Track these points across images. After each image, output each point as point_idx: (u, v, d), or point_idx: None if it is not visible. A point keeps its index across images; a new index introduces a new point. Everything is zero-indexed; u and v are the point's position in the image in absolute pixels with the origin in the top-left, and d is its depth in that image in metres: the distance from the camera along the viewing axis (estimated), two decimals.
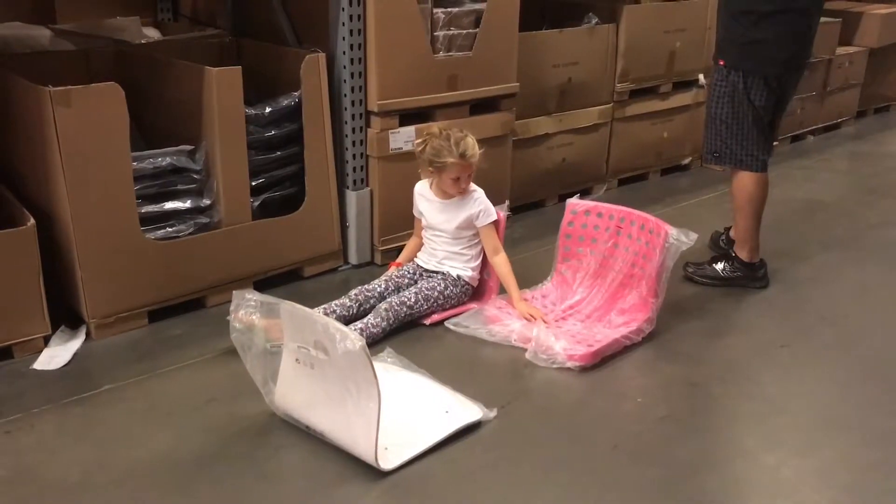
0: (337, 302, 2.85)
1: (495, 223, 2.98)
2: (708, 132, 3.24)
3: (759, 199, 3.22)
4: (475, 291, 3.07)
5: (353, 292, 2.90)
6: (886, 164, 5.24)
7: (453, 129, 2.91)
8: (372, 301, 2.88)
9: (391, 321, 2.79)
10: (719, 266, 3.32)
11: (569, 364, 2.65)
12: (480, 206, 2.95)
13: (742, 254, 3.29)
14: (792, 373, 2.71)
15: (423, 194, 3.05)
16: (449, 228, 2.98)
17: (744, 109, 3.11)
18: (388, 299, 2.85)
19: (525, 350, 2.72)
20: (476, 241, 3.02)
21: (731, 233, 3.47)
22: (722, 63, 3.12)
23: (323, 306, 2.81)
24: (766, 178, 3.20)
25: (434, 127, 2.95)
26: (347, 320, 2.78)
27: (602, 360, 2.70)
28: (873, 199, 4.45)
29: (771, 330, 2.99)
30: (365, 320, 2.77)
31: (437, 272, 3.01)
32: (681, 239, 2.77)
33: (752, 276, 3.32)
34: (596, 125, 4.29)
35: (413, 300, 2.87)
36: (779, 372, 2.71)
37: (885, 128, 6.10)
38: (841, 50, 5.62)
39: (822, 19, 5.36)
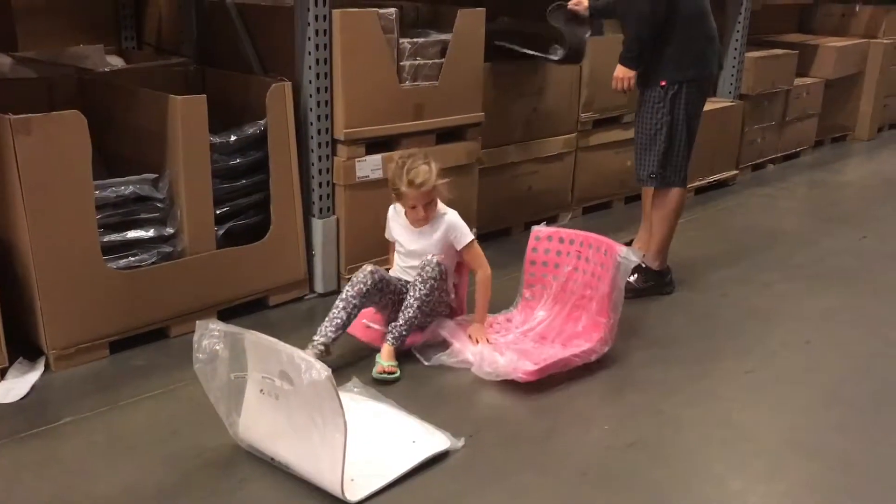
0: (330, 317, 2.77)
1: (472, 243, 2.93)
2: (645, 156, 3.37)
3: (680, 212, 3.47)
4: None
5: (340, 305, 2.78)
6: (844, 192, 5.36)
7: (416, 155, 2.84)
8: (364, 298, 2.81)
9: (436, 277, 2.80)
10: (632, 279, 3.38)
11: (513, 377, 2.66)
12: (454, 229, 2.90)
13: (654, 264, 3.46)
14: (757, 399, 2.73)
15: (397, 219, 3.00)
16: (422, 255, 2.90)
17: (680, 125, 3.29)
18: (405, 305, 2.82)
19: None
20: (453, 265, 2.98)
21: (635, 246, 3.60)
22: (663, 84, 3.25)
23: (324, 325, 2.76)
24: (686, 191, 3.47)
25: (395, 153, 2.91)
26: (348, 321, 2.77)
27: (568, 387, 2.70)
28: (832, 226, 4.54)
29: (735, 356, 3.01)
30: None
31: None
32: (629, 257, 2.82)
33: (662, 283, 3.52)
34: (561, 154, 4.34)
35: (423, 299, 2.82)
36: (744, 398, 2.73)
37: (842, 157, 6.24)
38: (798, 81, 5.75)
39: (780, 51, 5.56)
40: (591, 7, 3.70)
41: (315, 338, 2.73)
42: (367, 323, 2.98)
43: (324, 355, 2.69)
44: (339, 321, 2.75)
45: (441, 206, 2.92)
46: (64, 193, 2.64)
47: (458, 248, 2.91)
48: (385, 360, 2.74)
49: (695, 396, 2.73)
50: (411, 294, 2.82)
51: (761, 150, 5.63)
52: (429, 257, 2.84)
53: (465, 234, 2.92)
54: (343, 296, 2.79)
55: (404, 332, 2.79)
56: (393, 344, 2.77)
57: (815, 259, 4.03)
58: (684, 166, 3.38)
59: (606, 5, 3.63)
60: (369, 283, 2.79)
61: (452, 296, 3.00)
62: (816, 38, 6.29)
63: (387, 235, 3.07)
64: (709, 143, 4.99)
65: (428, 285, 2.81)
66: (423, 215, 2.86)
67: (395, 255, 3.05)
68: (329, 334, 2.73)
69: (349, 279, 3.37)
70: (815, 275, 3.83)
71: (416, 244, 2.94)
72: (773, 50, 5.60)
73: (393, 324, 2.82)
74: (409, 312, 2.80)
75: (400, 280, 2.95)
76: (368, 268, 2.83)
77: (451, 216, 2.92)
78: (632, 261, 2.83)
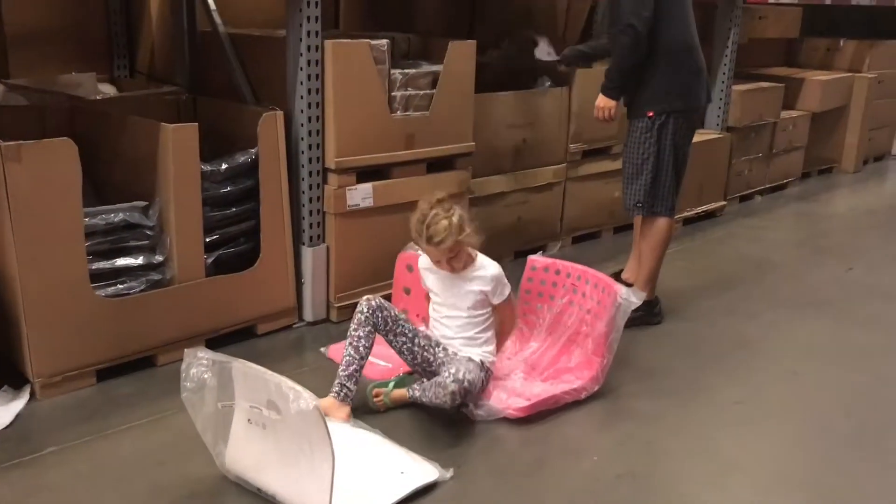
0: (344, 364, 2.66)
1: (507, 300, 2.79)
2: (632, 185, 3.40)
3: (668, 242, 3.47)
4: None
5: (348, 348, 2.67)
6: (831, 224, 5.40)
7: (440, 205, 2.67)
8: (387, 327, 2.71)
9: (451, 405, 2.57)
10: None
11: (504, 415, 2.65)
12: (492, 282, 2.72)
13: (643, 294, 3.31)
14: (746, 430, 2.73)
15: (429, 267, 2.83)
16: (462, 307, 2.76)
17: (667, 155, 3.32)
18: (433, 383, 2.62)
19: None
20: (490, 321, 2.81)
21: (625, 276, 3.60)
22: (650, 114, 3.28)
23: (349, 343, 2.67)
24: (674, 221, 3.48)
25: (423, 202, 2.69)
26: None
27: (557, 417, 2.70)
28: (819, 258, 4.57)
29: (724, 387, 3.02)
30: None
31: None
32: (629, 299, 2.81)
33: (650, 314, 3.51)
34: (550, 184, 4.36)
35: (484, 378, 2.70)
36: (733, 429, 2.73)
37: (829, 189, 6.29)
38: (785, 114, 5.82)
39: (767, 84, 5.63)
40: (563, 56, 3.80)
41: (333, 388, 2.61)
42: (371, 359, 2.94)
43: (344, 398, 2.60)
44: (349, 358, 2.64)
45: (481, 258, 2.77)
46: (53, 220, 2.63)
47: (494, 303, 2.77)
48: (391, 400, 2.70)
49: (683, 427, 2.72)
50: (427, 392, 2.62)
51: (749, 182, 5.68)
52: (449, 383, 2.54)
53: (502, 293, 2.76)
54: (348, 335, 2.70)
55: (423, 401, 2.65)
56: (409, 395, 2.70)
57: (803, 290, 4.05)
58: (671, 196, 3.40)
59: (581, 54, 3.72)
60: (365, 309, 2.69)
61: (486, 366, 2.77)
62: (802, 72, 6.37)
63: (422, 285, 2.91)
64: (697, 175, 5.03)
65: (437, 402, 2.59)
66: (450, 268, 2.71)
67: (430, 307, 2.89)
68: (342, 375, 2.62)
69: (338, 308, 3.39)
70: (802, 306, 3.85)
71: (449, 293, 2.78)
72: (760, 83, 5.67)
73: (425, 384, 2.66)
74: (440, 394, 2.56)
75: (417, 329, 2.79)
76: (364, 297, 2.74)
77: (490, 271, 2.74)
78: (632, 302, 2.82)
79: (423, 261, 2.87)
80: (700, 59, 3.37)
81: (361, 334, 2.68)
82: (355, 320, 2.70)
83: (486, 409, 2.68)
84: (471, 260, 2.76)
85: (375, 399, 2.70)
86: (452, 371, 2.58)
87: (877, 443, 2.67)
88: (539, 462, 2.49)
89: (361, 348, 2.67)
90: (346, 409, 2.59)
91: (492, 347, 2.82)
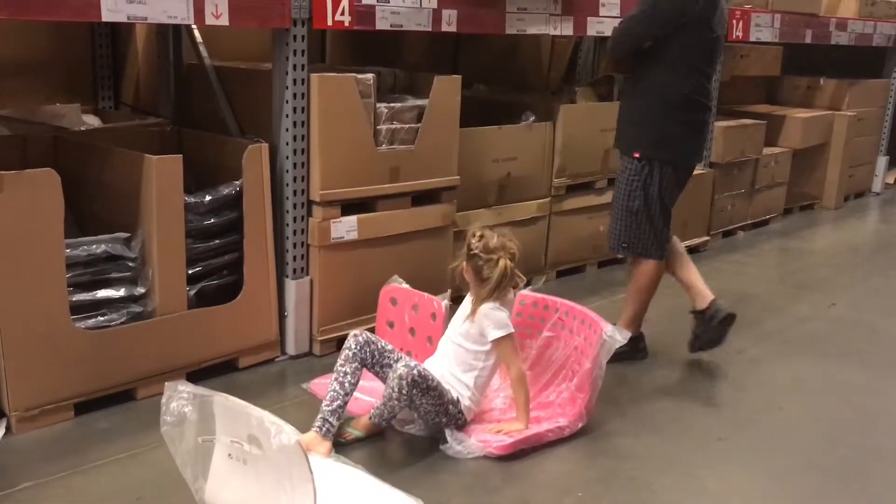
0: (328, 399, 2.62)
1: (508, 337, 2.74)
2: (618, 224, 3.37)
3: (656, 284, 3.42)
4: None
5: (333, 383, 2.65)
6: (813, 259, 5.44)
7: (500, 232, 2.79)
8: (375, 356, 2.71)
9: (399, 391, 2.56)
10: None
11: (485, 453, 2.63)
12: (486, 318, 2.71)
13: (627, 332, 3.21)
14: (731, 466, 2.72)
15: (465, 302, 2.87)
16: (454, 335, 2.79)
17: (653, 200, 3.28)
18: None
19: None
20: (482, 373, 2.77)
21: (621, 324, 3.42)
22: (637, 155, 3.27)
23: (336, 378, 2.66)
24: (664, 264, 3.42)
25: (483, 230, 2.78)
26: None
27: (541, 454, 2.68)
28: (801, 293, 4.59)
29: (708, 423, 3.01)
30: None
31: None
32: (615, 337, 2.80)
33: (635, 349, 3.46)
34: (534, 218, 4.37)
35: (434, 382, 2.62)
36: (718, 465, 2.72)
37: (811, 225, 6.35)
38: (767, 150, 5.89)
39: (749, 121, 5.70)
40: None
41: (316, 423, 2.57)
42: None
43: (326, 432, 2.55)
44: (333, 393, 2.61)
45: (497, 304, 2.74)
46: (34, 251, 2.61)
47: (487, 339, 2.72)
48: (355, 429, 2.68)
49: (667, 464, 2.71)
50: (403, 363, 2.63)
51: (731, 218, 5.72)
52: (399, 367, 2.59)
53: (495, 329, 2.71)
54: (334, 370, 2.69)
55: (383, 418, 2.66)
56: (371, 420, 2.68)
57: (786, 325, 4.06)
58: (657, 240, 3.34)
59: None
60: (353, 345, 2.69)
61: (461, 406, 2.73)
62: (783, 110, 6.46)
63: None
64: (681, 210, 5.04)
65: (387, 393, 2.61)
66: (470, 280, 2.77)
67: (439, 346, 2.90)
68: (325, 410, 2.58)
69: (321, 341, 3.37)
70: (785, 341, 3.86)
71: (459, 320, 2.81)
72: (742, 120, 5.74)
73: (376, 407, 2.67)
74: (378, 409, 2.64)
75: (404, 357, 2.78)
76: (352, 332, 2.75)
77: (493, 309, 2.72)
78: (617, 340, 2.80)
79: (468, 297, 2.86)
80: (699, 119, 3.31)
81: (348, 370, 2.66)
82: (342, 356, 2.69)
83: (466, 445, 2.66)
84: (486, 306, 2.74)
85: (344, 437, 2.65)
86: (408, 360, 2.63)
87: (862, 477, 2.66)
88: (523, 499, 2.46)
89: (347, 384, 2.64)
90: (328, 445, 2.55)
91: (472, 394, 2.75)
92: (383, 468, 2.51)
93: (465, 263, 2.78)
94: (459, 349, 2.77)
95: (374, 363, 2.72)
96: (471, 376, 2.76)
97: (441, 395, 2.65)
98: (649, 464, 2.70)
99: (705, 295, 3.44)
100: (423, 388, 2.59)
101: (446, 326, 2.99)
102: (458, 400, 2.72)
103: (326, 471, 2.42)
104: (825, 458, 2.78)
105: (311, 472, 1.96)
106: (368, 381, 2.80)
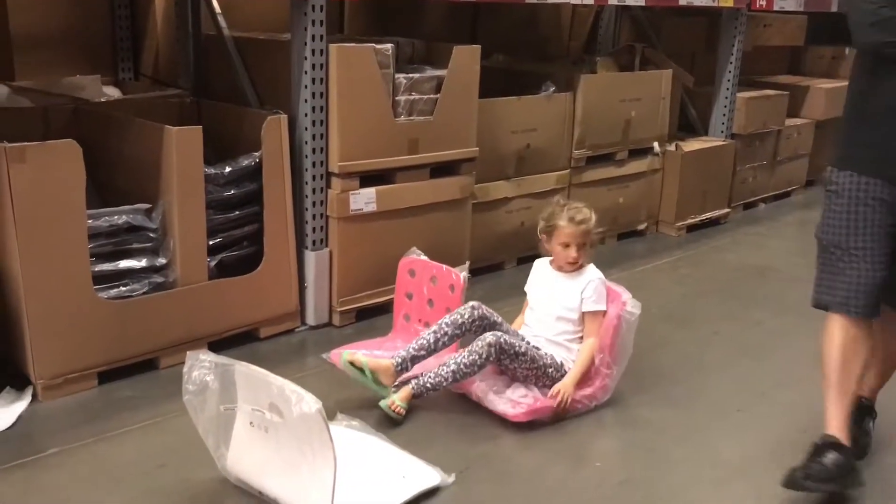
0: (417, 338, 2.76)
1: (599, 314, 2.80)
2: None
3: (845, 356, 2.44)
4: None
5: (432, 328, 2.76)
6: None
7: (577, 202, 2.88)
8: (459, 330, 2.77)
9: (486, 358, 2.64)
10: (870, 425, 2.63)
11: (508, 414, 2.64)
12: (592, 288, 2.78)
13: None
14: (750, 437, 2.72)
15: (541, 268, 2.94)
16: (552, 307, 2.83)
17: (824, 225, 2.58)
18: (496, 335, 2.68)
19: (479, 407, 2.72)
20: (578, 335, 2.84)
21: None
22: (830, 168, 2.51)
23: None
24: (848, 321, 2.44)
25: (558, 196, 2.88)
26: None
27: (559, 424, 2.69)
28: None
29: (727, 395, 3.01)
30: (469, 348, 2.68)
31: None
32: (633, 311, 2.80)
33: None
34: (554, 190, 4.35)
35: (523, 349, 2.71)
36: (737, 436, 2.72)
37: None
38: (789, 121, 5.81)
39: (771, 92, 5.62)
40: None
41: (396, 357, 2.70)
42: (370, 353, 2.94)
43: (399, 370, 2.69)
44: (423, 341, 2.73)
45: (591, 266, 2.86)
46: (57, 222, 2.63)
47: (583, 308, 2.79)
48: (400, 400, 2.68)
49: (686, 435, 2.71)
50: (455, 358, 2.68)
51: (753, 190, 5.67)
52: (488, 335, 2.67)
53: (597, 301, 2.79)
54: (439, 321, 2.78)
55: (428, 388, 2.69)
56: (413, 390, 2.69)
57: (807, 297, 3.99)
58: (848, 285, 2.42)
59: None
60: (466, 315, 2.76)
61: (566, 370, 2.79)
62: (807, 80, 6.36)
63: (526, 287, 2.98)
64: (701, 182, 5.04)
65: (471, 358, 2.65)
66: (574, 256, 2.79)
67: (527, 313, 2.95)
68: (411, 350, 2.72)
69: (341, 312, 3.39)
70: (806, 313, 3.79)
71: (544, 292, 2.87)
72: (765, 91, 5.67)
73: (428, 374, 2.70)
74: (443, 372, 2.67)
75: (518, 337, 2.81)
76: (472, 302, 2.81)
77: (591, 275, 2.82)
78: (635, 314, 2.79)
79: (536, 263, 2.98)
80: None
81: (448, 332, 2.75)
82: (451, 318, 2.76)
83: (496, 400, 2.68)
84: (585, 265, 2.86)
85: (390, 407, 2.66)
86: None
87: (882, 448, 2.65)
88: (540, 468, 2.48)
89: (439, 343, 2.74)
90: (393, 378, 2.68)
91: (569, 357, 2.81)
92: (403, 437, 2.54)
93: (573, 232, 2.79)
94: (557, 318, 2.83)
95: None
96: (566, 335, 2.84)
97: (533, 360, 2.72)
98: (667, 434, 2.70)
99: None
100: (511, 355, 2.67)
101: (464, 298, 3.01)
102: (561, 364, 2.78)
103: (347, 439, 2.45)
104: None
105: (332, 440, 1.98)
106: (394, 344, 2.80)
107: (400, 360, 2.70)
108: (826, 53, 6.77)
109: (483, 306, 2.80)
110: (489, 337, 2.67)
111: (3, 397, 2.67)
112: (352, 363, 2.68)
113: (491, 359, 2.65)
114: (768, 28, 5.83)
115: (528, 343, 2.79)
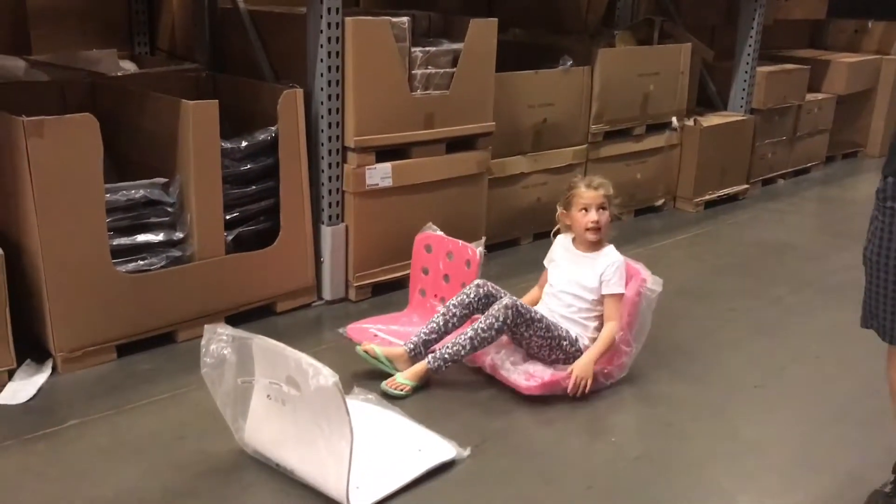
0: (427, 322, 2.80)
1: (618, 297, 2.77)
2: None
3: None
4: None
5: (440, 310, 2.80)
6: (854, 208, 5.32)
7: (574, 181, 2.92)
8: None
9: (503, 321, 2.64)
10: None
11: (523, 387, 2.64)
12: (612, 270, 2.77)
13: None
14: (766, 413, 2.71)
15: (562, 244, 2.93)
16: (569, 285, 2.82)
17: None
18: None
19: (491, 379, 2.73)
20: (596, 315, 2.82)
21: None
22: (885, 178, 2.25)
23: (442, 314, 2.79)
24: None
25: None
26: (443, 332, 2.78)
27: (574, 399, 2.69)
28: (841, 242, 4.51)
29: (744, 371, 2.99)
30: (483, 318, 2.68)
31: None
32: (654, 288, 2.78)
33: None
34: (571, 165, 4.33)
35: (538, 315, 2.71)
36: (753, 412, 2.71)
37: (853, 173, 6.21)
38: (810, 96, 5.74)
39: (792, 66, 5.55)
40: None
41: (409, 343, 2.75)
42: (376, 332, 2.96)
43: (413, 356, 2.73)
44: (433, 325, 2.77)
45: (611, 247, 2.85)
46: (75, 196, 2.65)
47: (603, 291, 2.77)
48: (403, 378, 2.68)
49: (702, 410, 2.71)
50: (472, 326, 2.69)
51: (772, 165, 5.61)
52: (505, 298, 2.71)
53: (618, 284, 2.77)
54: (446, 304, 2.81)
55: (447, 360, 2.70)
56: (430, 365, 2.69)
57: (825, 274, 4.01)
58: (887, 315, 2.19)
59: None
60: (472, 294, 2.77)
61: (580, 345, 2.78)
62: (828, 54, 6.28)
63: (545, 261, 2.96)
64: (720, 158, 4.99)
65: (488, 322, 2.66)
66: (594, 219, 2.78)
67: (545, 288, 2.92)
68: (422, 335, 2.75)
69: (357, 287, 3.39)
70: (824, 290, 3.81)
71: (565, 270, 2.85)
72: (785, 65, 5.59)
73: (445, 346, 2.71)
74: (461, 340, 2.67)
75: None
76: (477, 280, 2.83)
77: (613, 257, 2.80)
78: (655, 291, 2.78)
79: (558, 239, 2.96)
80: None
81: (457, 313, 2.78)
82: (457, 299, 2.79)
83: (511, 370, 2.69)
84: (605, 242, 2.85)
85: (392, 387, 2.66)
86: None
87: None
88: (556, 442, 2.49)
89: (450, 325, 2.77)
90: (408, 363, 2.71)
91: (591, 334, 2.80)
92: (419, 411, 2.54)
93: (592, 195, 2.82)
94: (576, 296, 2.81)
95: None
96: (584, 314, 2.82)
97: (548, 328, 2.72)
98: (683, 410, 2.70)
99: None
100: (528, 320, 2.67)
101: (479, 273, 3.00)
102: (576, 339, 2.78)
103: (363, 412, 2.46)
104: (861, 408, 2.75)
105: (349, 413, 1.99)
106: (405, 328, 2.81)
107: (412, 346, 2.74)
108: (848, 27, 6.67)
109: (489, 283, 2.80)
110: (506, 300, 2.68)
111: (24, 370, 2.70)
112: (366, 352, 2.72)
113: (508, 321, 2.64)
114: (789, 1, 5.75)
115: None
